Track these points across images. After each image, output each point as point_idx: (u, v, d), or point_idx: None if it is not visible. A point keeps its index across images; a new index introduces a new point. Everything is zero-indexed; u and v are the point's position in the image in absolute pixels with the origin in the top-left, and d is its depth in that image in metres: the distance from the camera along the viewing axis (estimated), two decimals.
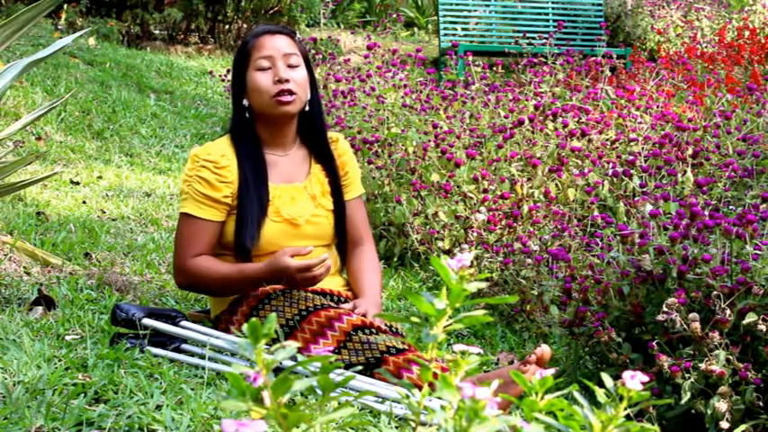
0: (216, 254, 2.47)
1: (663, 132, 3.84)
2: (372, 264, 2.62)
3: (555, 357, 2.60)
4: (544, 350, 2.15)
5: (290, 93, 2.45)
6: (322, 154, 2.60)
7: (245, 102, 2.51)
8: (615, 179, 3.59)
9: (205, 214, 2.44)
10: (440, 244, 3.55)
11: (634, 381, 1.07)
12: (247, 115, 2.51)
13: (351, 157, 2.67)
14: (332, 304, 2.37)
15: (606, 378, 1.11)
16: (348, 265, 2.64)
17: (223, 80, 7.09)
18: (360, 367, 2.18)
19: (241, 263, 2.44)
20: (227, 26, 9.96)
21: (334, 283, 2.54)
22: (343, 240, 2.61)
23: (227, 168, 2.46)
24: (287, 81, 2.45)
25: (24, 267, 2.88)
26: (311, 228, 2.52)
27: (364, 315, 2.37)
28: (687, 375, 2.06)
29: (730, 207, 2.87)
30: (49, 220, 3.57)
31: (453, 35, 9.61)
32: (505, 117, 4.28)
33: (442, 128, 4.16)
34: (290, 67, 2.48)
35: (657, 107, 4.56)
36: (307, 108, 2.53)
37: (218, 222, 2.45)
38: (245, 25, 9.98)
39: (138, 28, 9.39)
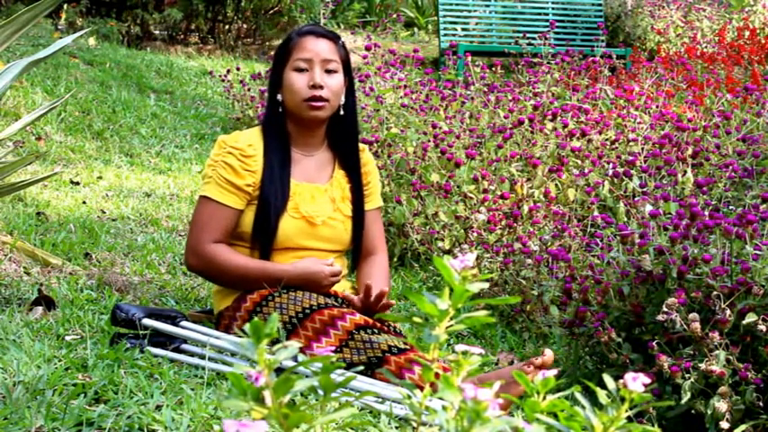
0: (229, 244, 2.48)
1: (662, 132, 3.84)
2: (383, 270, 2.63)
3: (555, 358, 2.60)
4: (548, 355, 2.15)
5: (322, 99, 2.46)
6: (349, 160, 2.60)
7: (279, 97, 2.52)
8: (615, 179, 3.59)
9: (226, 200, 2.45)
10: (440, 244, 3.55)
11: (636, 383, 1.06)
12: (280, 110, 2.53)
13: (374, 168, 2.68)
14: (335, 303, 2.38)
15: (608, 380, 1.11)
16: (358, 270, 2.65)
17: (223, 80, 7.08)
18: (361, 367, 2.18)
19: (260, 258, 2.45)
20: (227, 26, 9.95)
21: (339, 286, 2.55)
22: (357, 249, 2.62)
23: (253, 158, 2.47)
24: (321, 87, 2.46)
25: (24, 267, 2.88)
26: (327, 230, 2.52)
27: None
28: (687, 375, 2.06)
29: (730, 207, 2.86)
30: (49, 220, 3.57)
31: (453, 35, 9.60)
32: (505, 117, 4.28)
33: (441, 128, 4.15)
34: (328, 72, 2.48)
35: (657, 107, 4.56)
36: (341, 113, 2.54)
37: (238, 210, 2.46)
38: (244, 25, 9.98)
39: (138, 28, 9.39)
